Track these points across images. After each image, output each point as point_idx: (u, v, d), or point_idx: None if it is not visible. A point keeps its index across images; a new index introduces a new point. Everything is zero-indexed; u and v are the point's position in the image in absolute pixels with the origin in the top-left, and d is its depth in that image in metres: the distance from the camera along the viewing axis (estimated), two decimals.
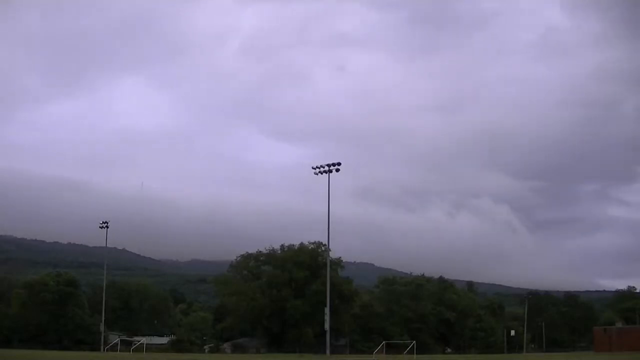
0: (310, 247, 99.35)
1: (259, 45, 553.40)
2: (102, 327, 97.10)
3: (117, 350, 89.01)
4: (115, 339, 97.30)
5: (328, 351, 70.81)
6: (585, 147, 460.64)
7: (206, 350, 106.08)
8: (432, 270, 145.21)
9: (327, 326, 70.07)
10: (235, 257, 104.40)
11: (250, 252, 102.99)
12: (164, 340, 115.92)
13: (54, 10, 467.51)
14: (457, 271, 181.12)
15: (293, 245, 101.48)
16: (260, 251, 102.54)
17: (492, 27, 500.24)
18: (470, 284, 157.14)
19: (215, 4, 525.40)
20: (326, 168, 72.95)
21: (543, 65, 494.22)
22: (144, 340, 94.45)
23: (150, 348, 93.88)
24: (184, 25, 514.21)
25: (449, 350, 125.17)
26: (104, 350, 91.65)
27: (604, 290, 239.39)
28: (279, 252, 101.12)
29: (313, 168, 74.04)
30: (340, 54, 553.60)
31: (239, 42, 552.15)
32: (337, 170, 73.10)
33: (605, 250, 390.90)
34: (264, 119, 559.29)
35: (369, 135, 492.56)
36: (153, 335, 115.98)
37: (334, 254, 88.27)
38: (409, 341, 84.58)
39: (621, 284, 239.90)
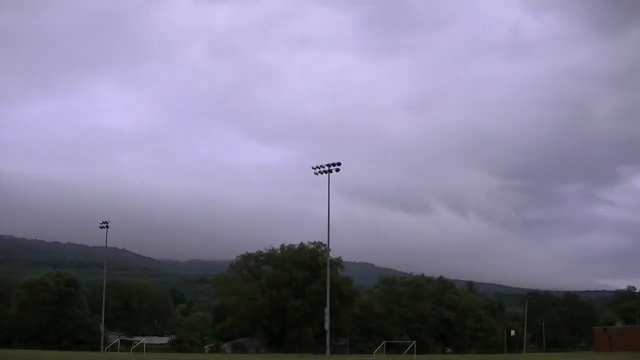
0: (310, 247, 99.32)
1: (228, 45, 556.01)
2: (102, 327, 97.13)
3: (117, 350, 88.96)
4: (115, 339, 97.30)
5: (328, 351, 70.81)
6: (565, 148, 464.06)
7: (206, 350, 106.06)
8: (432, 270, 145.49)
9: (327, 326, 70.07)
10: (235, 257, 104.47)
11: (250, 252, 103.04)
12: (164, 340, 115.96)
13: (26, 10, 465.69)
14: (457, 271, 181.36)
15: (293, 245, 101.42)
16: (260, 251, 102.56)
17: (455, 27, 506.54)
18: (470, 284, 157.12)
19: (184, 4, 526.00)
20: (326, 168, 72.93)
21: (513, 64, 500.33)
22: (144, 340, 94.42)
23: (150, 348, 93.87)
24: (156, 25, 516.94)
25: (449, 350, 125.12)
26: (104, 350, 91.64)
27: (604, 290, 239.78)
28: (279, 252, 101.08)
29: (313, 168, 74.03)
30: (311, 54, 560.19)
31: (208, 43, 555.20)
32: (337, 170, 73.05)
33: (599, 250, 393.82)
34: (240, 120, 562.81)
35: (346, 135, 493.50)
36: (153, 335, 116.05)
37: (334, 254, 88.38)
38: (409, 341, 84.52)
39: (621, 284, 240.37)
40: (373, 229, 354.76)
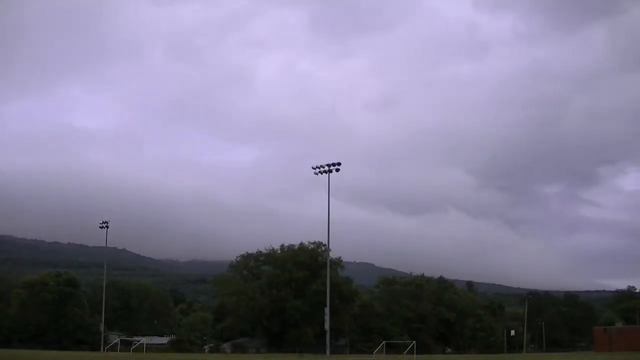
0: (310, 247, 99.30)
1: (194, 47, 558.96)
2: (102, 327, 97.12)
3: (117, 350, 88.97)
4: (115, 339, 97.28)
5: (328, 351, 70.78)
6: (542, 148, 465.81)
7: (206, 350, 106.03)
8: (432, 270, 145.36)
9: (327, 326, 70.04)
10: (235, 257, 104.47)
11: (250, 252, 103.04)
12: (164, 340, 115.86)
13: None
14: (457, 271, 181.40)
15: (293, 245, 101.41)
16: (260, 251, 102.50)
17: (411, 27, 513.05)
18: (470, 284, 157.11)
19: (152, 5, 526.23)
20: (326, 168, 72.90)
21: (475, 64, 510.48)
22: (144, 340, 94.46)
23: (150, 348, 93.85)
24: (123, 26, 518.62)
25: (449, 350, 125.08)
26: (104, 350, 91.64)
27: (604, 290, 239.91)
28: (279, 252, 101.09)
29: (313, 168, 73.96)
30: (277, 55, 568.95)
31: (175, 44, 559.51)
32: (337, 170, 73.01)
33: (591, 250, 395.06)
34: (208, 121, 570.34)
35: (319, 134, 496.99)
36: (153, 335, 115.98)
37: (333, 254, 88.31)
38: (409, 341, 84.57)
39: (621, 284, 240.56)
40: (364, 229, 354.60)
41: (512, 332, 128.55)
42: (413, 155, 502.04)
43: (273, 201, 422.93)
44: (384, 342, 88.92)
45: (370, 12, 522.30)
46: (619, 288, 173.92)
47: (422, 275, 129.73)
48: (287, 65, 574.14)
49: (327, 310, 70.40)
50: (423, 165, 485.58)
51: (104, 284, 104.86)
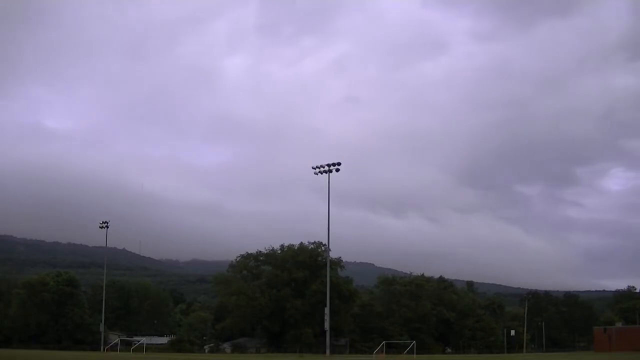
0: (310, 247, 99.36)
1: (155, 47, 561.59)
2: (102, 327, 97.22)
3: (117, 350, 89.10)
4: (115, 338, 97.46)
5: (328, 351, 70.81)
6: (517, 149, 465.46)
7: (206, 350, 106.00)
8: (432, 270, 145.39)
9: (327, 326, 70.08)
10: (235, 257, 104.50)
11: (250, 252, 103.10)
12: (163, 340, 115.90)
13: None
14: (457, 271, 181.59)
15: (293, 245, 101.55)
16: (260, 251, 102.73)
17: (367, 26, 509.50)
18: (470, 284, 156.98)
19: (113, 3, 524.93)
20: (326, 168, 72.90)
21: (433, 63, 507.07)
22: (143, 340, 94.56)
23: (150, 348, 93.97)
24: (85, 26, 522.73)
25: (448, 350, 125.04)
26: (104, 350, 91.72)
27: (604, 290, 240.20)
28: (279, 252, 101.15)
29: (313, 168, 74.01)
30: (239, 55, 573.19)
31: (133, 45, 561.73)
32: (337, 170, 73.01)
33: (587, 250, 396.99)
34: (173, 121, 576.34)
35: (285, 134, 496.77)
36: (153, 335, 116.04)
37: (333, 254, 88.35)
38: (409, 341, 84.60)
39: (621, 284, 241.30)
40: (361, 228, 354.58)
41: (512, 332, 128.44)
42: (384, 154, 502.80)
43: (254, 200, 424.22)
44: (384, 342, 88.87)
45: (333, 12, 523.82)
46: (619, 288, 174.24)
47: (422, 275, 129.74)
48: (251, 66, 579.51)
49: (327, 310, 70.45)
50: (399, 165, 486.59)
51: (104, 284, 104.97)
